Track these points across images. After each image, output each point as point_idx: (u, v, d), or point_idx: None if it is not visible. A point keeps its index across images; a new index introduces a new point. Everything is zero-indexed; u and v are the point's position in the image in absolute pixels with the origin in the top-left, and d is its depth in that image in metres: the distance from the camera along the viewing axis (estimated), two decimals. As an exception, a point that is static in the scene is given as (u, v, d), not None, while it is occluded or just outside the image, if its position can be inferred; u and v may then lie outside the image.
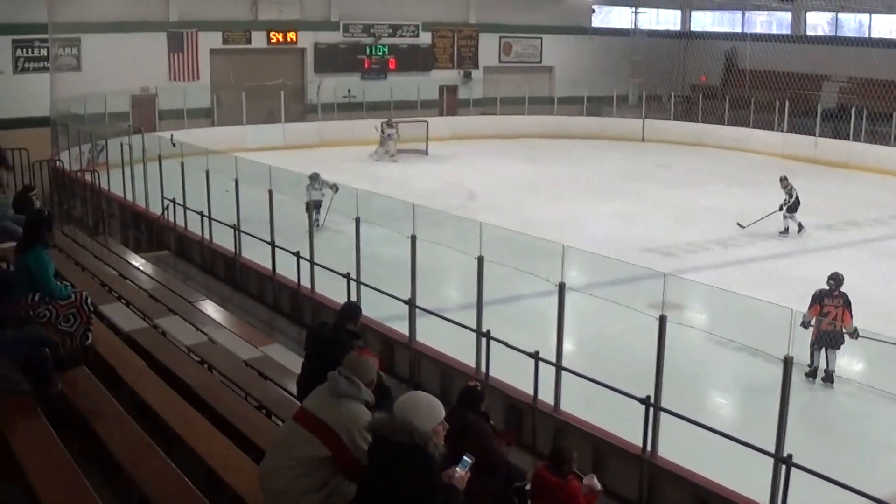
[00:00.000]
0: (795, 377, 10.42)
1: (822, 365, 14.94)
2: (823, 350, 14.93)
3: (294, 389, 9.97)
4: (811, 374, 15.04)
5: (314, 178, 22.80)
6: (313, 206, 21.30)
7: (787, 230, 26.10)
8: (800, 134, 42.72)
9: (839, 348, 14.96)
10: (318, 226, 21.62)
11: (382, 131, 38.77)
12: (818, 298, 15.31)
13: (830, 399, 14.73)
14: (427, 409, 5.82)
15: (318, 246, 17.62)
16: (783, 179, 27.14)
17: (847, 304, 15.19)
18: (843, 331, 14.93)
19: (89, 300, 9.78)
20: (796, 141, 42.57)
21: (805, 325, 14.58)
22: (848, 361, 15.53)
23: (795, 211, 26.18)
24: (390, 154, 38.24)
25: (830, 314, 15.04)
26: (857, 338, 14.70)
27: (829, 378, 14.83)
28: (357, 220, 16.05)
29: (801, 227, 26.10)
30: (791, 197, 26.25)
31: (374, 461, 5.73)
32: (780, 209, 26.12)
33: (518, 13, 48.68)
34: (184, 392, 9.07)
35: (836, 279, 15.48)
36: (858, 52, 45.78)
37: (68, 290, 9.74)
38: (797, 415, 11.21)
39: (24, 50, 36.59)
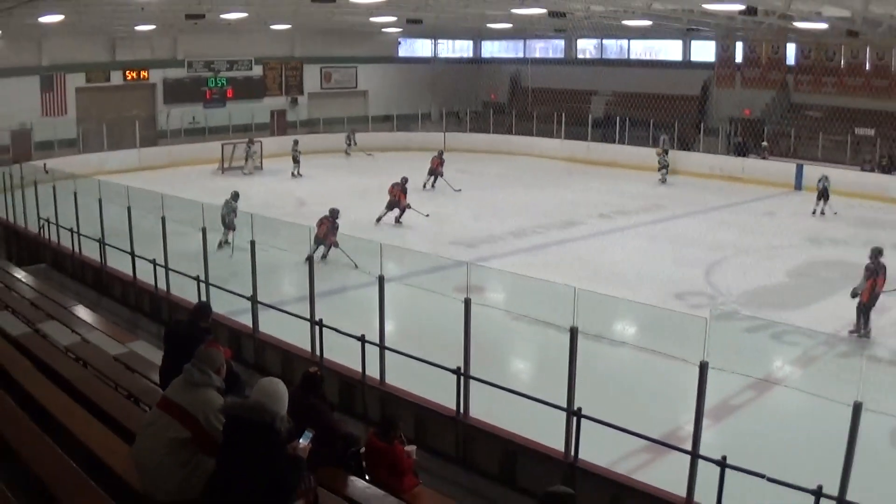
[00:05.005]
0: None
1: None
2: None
3: (157, 379, 9.83)
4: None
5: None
6: None
7: None
8: (575, 140, 43.95)
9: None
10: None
11: (247, 149, 38.92)
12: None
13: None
14: (278, 394, 5.88)
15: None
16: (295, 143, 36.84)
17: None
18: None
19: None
20: (572, 146, 43.79)
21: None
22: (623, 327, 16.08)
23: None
24: (248, 170, 38.28)
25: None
26: None
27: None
28: (203, 230, 15.89)
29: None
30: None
31: (228, 438, 5.73)
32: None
33: (336, 46, 48.62)
34: (64, 386, 8.85)
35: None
36: (620, 71, 47.41)
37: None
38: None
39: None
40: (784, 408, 13.02)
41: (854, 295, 16.38)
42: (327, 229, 21.37)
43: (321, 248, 20.91)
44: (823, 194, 28.92)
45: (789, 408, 12.87)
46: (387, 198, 26.60)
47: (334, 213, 21.87)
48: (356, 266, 18.78)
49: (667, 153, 37.14)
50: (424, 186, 33.46)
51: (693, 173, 36.68)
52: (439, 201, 30.16)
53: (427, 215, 27.14)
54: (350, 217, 23.24)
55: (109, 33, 40.16)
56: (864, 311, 16.37)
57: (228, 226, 22.40)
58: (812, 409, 11.08)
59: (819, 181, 29.19)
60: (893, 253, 23.42)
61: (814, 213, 28.87)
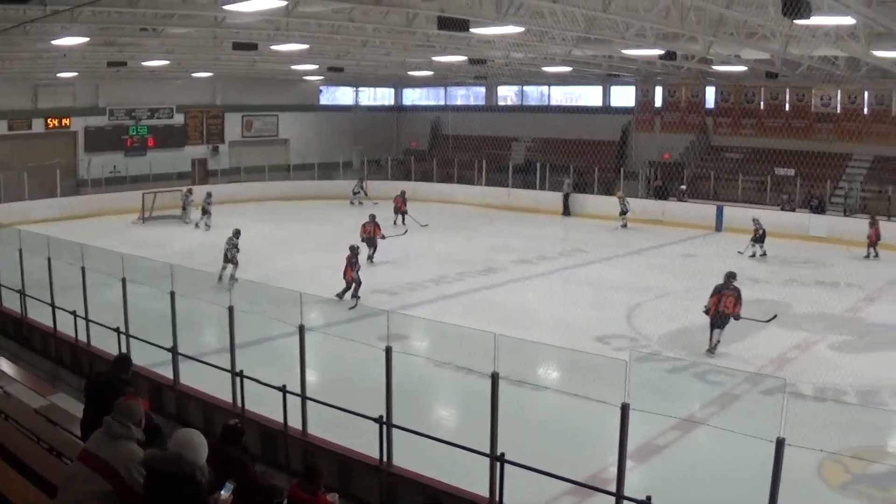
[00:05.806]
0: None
1: None
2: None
3: (79, 432, 9.76)
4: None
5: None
6: None
7: None
8: (495, 186, 44.48)
9: None
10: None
11: (185, 198, 38.84)
12: None
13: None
14: (195, 444, 5.90)
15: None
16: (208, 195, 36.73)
17: None
18: None
19: None
20: (493, 192, 44.33)
21: None
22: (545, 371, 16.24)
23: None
24: (187, 219, 38.13)
25: None
26: None
27: None
28: (123, 281, 15.72)
29: None
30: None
31: (150, 490, 5.74)
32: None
33: (257, 94, 48.87)
34: (-16, 439, 8.77)
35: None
36: (540, 117, 48.25)
37: None
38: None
39: None
40: (708, 446, 13.24)
41: (706, 312, 18.10)
42: (346, 265, 22.28)
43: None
44: (762, 237, 29.65)
45: (714, 446, 13.07)
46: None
47: (353, 250, 22.86)
48: (355, 305, 19.25)
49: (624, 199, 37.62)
50: (395, 223, 34.73)
51: (613, 217, 37.20)
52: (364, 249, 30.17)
53: (404, 233, 30.64)
54: (272, 265, 23.18)
55: (32, 80, 39.98)
56: (710, 326, 17.97)
57: (231, 260, 23.87)
58: (736, 446, 11.29)
59: (756, 225, 29.84)
60: (821, 289, 24.28)
61: (753, 255, 29.49)
